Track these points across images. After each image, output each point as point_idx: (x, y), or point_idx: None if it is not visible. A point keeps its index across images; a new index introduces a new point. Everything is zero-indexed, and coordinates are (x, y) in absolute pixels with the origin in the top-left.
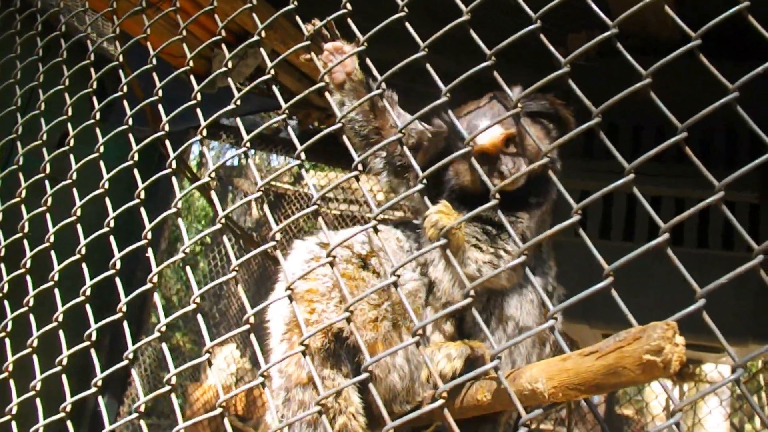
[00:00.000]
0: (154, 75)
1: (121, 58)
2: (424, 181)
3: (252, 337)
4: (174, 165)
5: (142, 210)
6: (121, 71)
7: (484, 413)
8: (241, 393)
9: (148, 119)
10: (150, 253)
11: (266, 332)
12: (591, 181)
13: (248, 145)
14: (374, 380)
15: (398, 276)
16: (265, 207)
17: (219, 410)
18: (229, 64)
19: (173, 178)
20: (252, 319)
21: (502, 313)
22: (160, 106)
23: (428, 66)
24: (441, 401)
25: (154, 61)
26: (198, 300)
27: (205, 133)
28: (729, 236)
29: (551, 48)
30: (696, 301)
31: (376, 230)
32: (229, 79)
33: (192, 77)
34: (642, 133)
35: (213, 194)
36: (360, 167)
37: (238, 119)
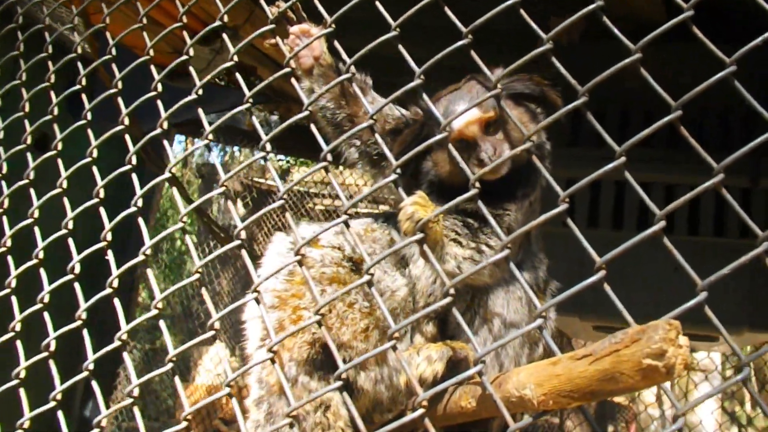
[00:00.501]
0: (113, 66)
1: (79, 50)
2: (399, 170)
3: (218, 343)
4: (134, 161)
5: (102, 210)
6: (80, 63)
7: (472, 420)
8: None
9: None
10: (110, 255)
11: (243, 335)
12: (578, 169)
13: (211, 137)
14: (362, 393)
15: (372, 274)
16: (229, 203)
17: (184, 424)
18: (191, 52)
19: (133, 175)
20: (217, 325)
21: (487, 312)
22: (120, 99)
23: (400, 47)
24: (421, 411)
25: (114, 52)
26: (159, 305)
27: (165, 126)
28: (720, 223)
29: (533, 25)
30: (697, 293)
31: (347, 225)
32: (191, 68)
33: (153, 67)
34: (630, 119)
35: (175, 191)
36: (329, 157)
37: (200, 110)
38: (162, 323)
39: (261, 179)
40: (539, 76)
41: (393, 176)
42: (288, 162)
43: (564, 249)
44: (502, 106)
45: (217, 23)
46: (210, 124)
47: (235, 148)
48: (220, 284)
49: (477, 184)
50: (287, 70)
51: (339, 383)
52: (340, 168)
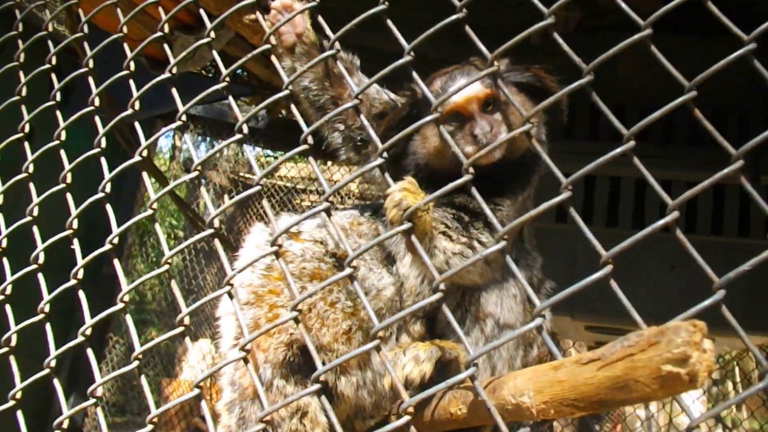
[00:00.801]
0: (85, 45)
1: (50, 28)
2: (385, 154)
3: (187, 341)
4: (103, 144)
5: (69, 196)
6: (50, 42)
7: (461, 427)
8: (216, 388)
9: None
10: (76, 244)
11: (217, 333)
12: (573, 163)
13: (184, 118)
14: (342, 399)
15: (354, 267)
16: (203, 189)
17: (149, 428)
18: (166, 28)
19: (102, 159)
20: (187, 320)
21: (479, 311)
22: (90, 79)
23: (389, 22)
24: (406, 418)
25: (86, 29)
26: (126, 299)
27: (137, 106)
28: (719, 221)
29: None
30: (714, 291)
31: (328, 213)
32: (165, 46)
33: (125, 44)
34: (624, 114)
35: (145, 176)
36: (310, 140)
37: (173, 90)
38: (128, 318)
39: (249, 174)
40: (541, 68)
41: (379, 160)
42: (275, 158)
43: (557, 245)
44: (501, 85)
45: None
46: (196, 116)
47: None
48: (205, 279)
49: (471, 170)
50: (267, 46)
51: (316, 386)
52: (329, 163)
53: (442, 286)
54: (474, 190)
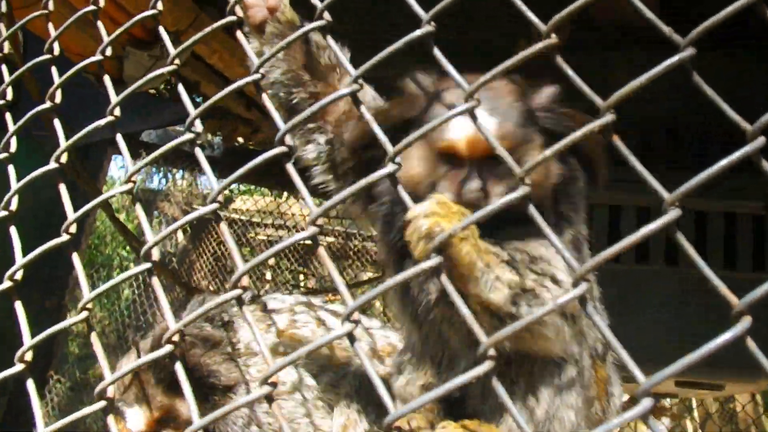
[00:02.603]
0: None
1: None
2: (398, 159)
3: (109, 419)
4: (13, 148)
5: None
6: None
7: None
8: None
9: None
10: None
11: None
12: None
13: (116, 112)
14: None
15: (356, 321)
16: (138, 207)
17: None
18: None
19: (10, 167)
20: (111, 391)
21: (533, 385)
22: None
23: None
24: None
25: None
26: (27, 357)
27: (58, 98)
28: (731, 253)
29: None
30: None
31: (315, 243)
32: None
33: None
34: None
35: (63, 190)
36: (288, 140)
37: (108, 81)
38: (30, 383)
39: (202, 206)
40: (579, 112)
41: (390, 167)
42: (230, 191)
43: None
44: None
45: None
46: (151, 144)
47: (178, 175)
48: (155, 314)
49: (528, 179)
50: (231, 18)
51: None
52: (284, 195)
53: (491, 351)
54: (533, 210)
